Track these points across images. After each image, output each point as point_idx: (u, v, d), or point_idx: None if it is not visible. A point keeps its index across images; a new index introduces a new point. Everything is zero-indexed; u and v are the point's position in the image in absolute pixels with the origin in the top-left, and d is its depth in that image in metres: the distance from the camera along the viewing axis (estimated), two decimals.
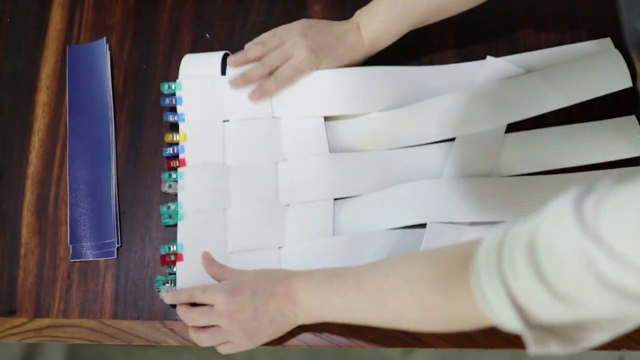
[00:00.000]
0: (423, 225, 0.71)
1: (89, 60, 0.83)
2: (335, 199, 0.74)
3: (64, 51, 0.84)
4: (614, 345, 0.64)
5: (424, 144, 0.75)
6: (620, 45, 0.76)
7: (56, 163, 0.79)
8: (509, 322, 0.46)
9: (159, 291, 0.71)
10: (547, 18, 0.81)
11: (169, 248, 0.72)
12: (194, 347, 0.68)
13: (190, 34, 0.84)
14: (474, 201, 0.70)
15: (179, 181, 0.74)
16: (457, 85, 0.77)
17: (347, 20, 0.77)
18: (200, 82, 0.77)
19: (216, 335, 0.67)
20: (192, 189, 0.73)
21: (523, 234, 0.44)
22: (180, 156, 0.75)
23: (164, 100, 0.77)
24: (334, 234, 0.72)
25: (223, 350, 0.68)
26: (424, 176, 0.73)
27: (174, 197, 0.75)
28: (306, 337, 0.70)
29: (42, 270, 0.75)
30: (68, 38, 0.85)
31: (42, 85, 0.83)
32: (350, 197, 0.74)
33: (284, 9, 0.84)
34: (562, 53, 0.77)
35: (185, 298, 0.68)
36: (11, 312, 0.73)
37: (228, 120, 0.76)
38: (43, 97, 0.82)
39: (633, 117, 0.73)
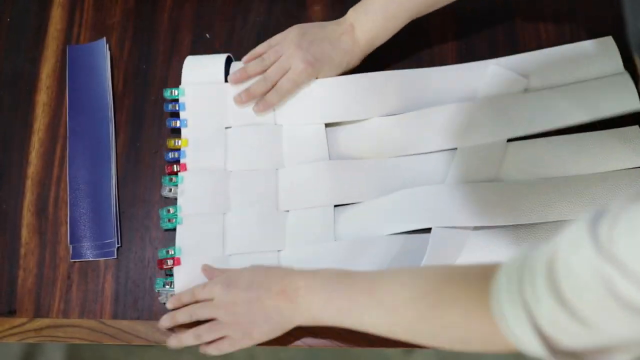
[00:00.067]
0: (424, 231, 0.70)
1: (89, 60, 0.83)
2: (336, 206, 0.74)
3: (64, 51, 0.84)
4: None
5: (426, 153, 0.75)
6: (622, 46, 0.75)
7: (56, 163, 0.79)
8: (533, 349, 0.46)
9: (158, 292, 0.71)
10: (547, 17, 0.81)
11: (167, 252, 0.72)
12: (194, 347, 0.68)
13: (190, 34, 0.84)
14: (478, 206, 0.70)
15: (179, 185, 0.74)
16: (458, 87, 0.77)
17: (341, 21, 0.76)
18: (204, 89, 0.78)
19: (213, 328, 0.66)
20: (192, 193, 0.74)
21: (542, 260, 0.44)
22: (182, 161, 0.75)
23: (167, 106, 0.77)
24: (335, 240, 0.72)
25: (220, 348, 0.67)
26: (425, 183, 0.73)
27: (173, 202, 0.75)
28: (306, 337, 0.70)
29: (42, 270, 0.75)
30: (68, 38, 0.85)
31: (42, 85, 0.83)
32: (351, 203, 0.74)
33: (284, 9, 0.84)
34: (563, 53, 0.77)
35: (187, 299, 0.68)
36: (11, 312, 0.73)
37: (230, 127, 0.77)
38: (43, 97, 0.82)
39: (636, 127, 0.73)
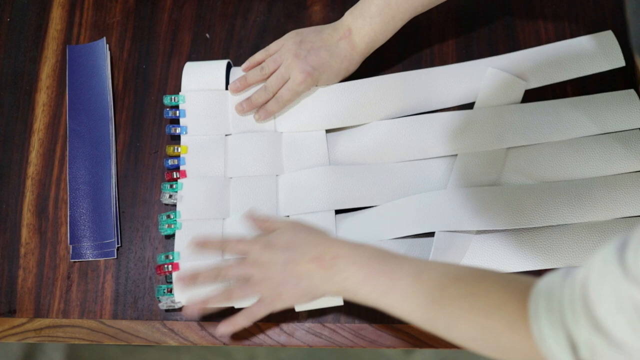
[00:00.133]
0: (427, 235, 0.70)
1: (89, 60, 0.83)
2: (338, 211, 0.74)
3: (64, 51, 0.84)
4: None
5: (426, 159, 0.75)
6: (622, 45, 0.76)
7: (56, 163, 0.79)
8: None
9: (159, 300, 0.71)
10: (547, 16, 0.81)
11: (166, 257, 0.72)
12: (194, 347, 0.68)
13: (190, 34, 0.84)
14: (480, 210, 0.70)
15: (178, 192, 0.74)
16: (459, 87, 0.77)
17: (337, 25, 0.76)
18: (204, 96, 0.78)
19: (245, 288, 0.65)
20: (191, 199, 0.73)
21: (578, 284, 0.45)
22: (181, 168, 0.75)
23: (167, 113, 0.77)
24: None
25: (253, 312, 0.65)
26: (426, 189, 0.73)
27: (173, 207, 0.75)
28: (306, 337, 0.70)
29: (42, 270, 0.75)
30: (68, 38, 0.85)
31: (42, 85, 0.83)
32: (352, 209, 0.74)
33: (284, 9, 0.84)
34: (564, 49, 0.77)
35: (215, 246, 0.67)
36: (11, 312, 0.73)
37: (230, 134, 0.77)
38: (43, 97, 0.82)
39: (637, 131, 0.73)
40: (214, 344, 0.71)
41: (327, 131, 0.77)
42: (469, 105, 0.77)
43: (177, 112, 0.77)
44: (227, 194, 0.74)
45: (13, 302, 0.74)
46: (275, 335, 0.70)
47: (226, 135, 0.77)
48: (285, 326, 0.70)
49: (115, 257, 0.74)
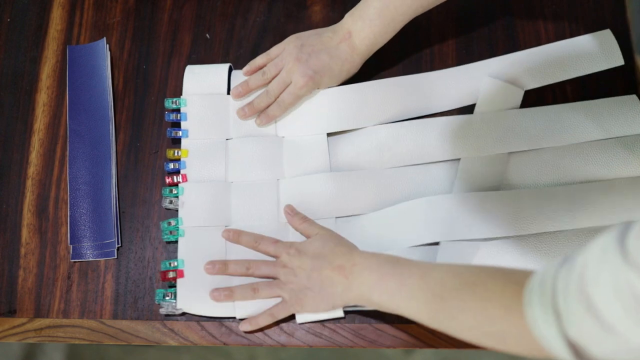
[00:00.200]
0: (437, 243, 0.70)
1: (89, 60, 0.83)
2: (342, 217, 0.74)
3: (64, 51, 0.84)
4: None
5: (427, 163, 0.75)
6: (622, 45, 0.76)
7: (56, 163, 0.79)
8: (563, 355, 0.47)
9: (159, 305, 0.71)
10: (546, 16, 0.81)
11: (170, 264, 0.72)
12: (194, 347, 0.68)
13: (190, 34, 0.84)
14: (487, 217, 0.70)
15: (179, 197, 0.74)
16: (460, 89, 0.77)
17: (337, 28, 0.76)
18: (206, 100, 0.78)
19: (272, 285, 0.69)
20: (193, 205, 0.73)
21: (574, 269, 0.45)
22: (182, 172, 0.75)
23: (169, 116, 0.77)
24: None
25: (273, 313, 0.69)
26: (427, 194, 0.73)
27: (174, 213, 0.75)
28: (306, 337, 0.70)
29: (43, 270, 0.75)
30: (68, 38, 0.85)
31: (42, 85, 0.83)
32: (354, 215, 0.74)
33: (284, 9, 0.84)
34: (563, 48, 0.77)
35: (247, 240, 0.72)
36: (11, 312, 0.73)
37: (231, 138, 0.77)
38: (43, 97, 0.82)
39: None
40: (214, 344, 0.71)
41: (329, 135, 0.77)
42: (470, 108, 0.77)
43: (179, 115, 0.77)
44: (229, 201, 0.74)
45: (13, 302, 0.74)
46: (275, 335, 0.70)
47: (227, 139, 0.77)
48: (285, 326, 0.70)
49: (116, 257, 0.74)
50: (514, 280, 0.52)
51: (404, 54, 0.81)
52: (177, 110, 0.78)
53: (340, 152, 0.76)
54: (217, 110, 0.77)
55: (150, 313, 0.72)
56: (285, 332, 0.70)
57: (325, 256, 0.67)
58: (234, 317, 0.70)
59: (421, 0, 0.72)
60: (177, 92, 0.80)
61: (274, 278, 0.70)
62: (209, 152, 0.76)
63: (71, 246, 0.75)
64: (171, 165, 0.75)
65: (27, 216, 0.77)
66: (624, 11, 0.80)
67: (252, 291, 0.69)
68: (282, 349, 1.38)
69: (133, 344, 0.71)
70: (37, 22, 0.86)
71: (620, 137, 0.73)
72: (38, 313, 0.73)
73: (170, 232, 0.73)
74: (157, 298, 0.70)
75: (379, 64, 0.79)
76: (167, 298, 0.70)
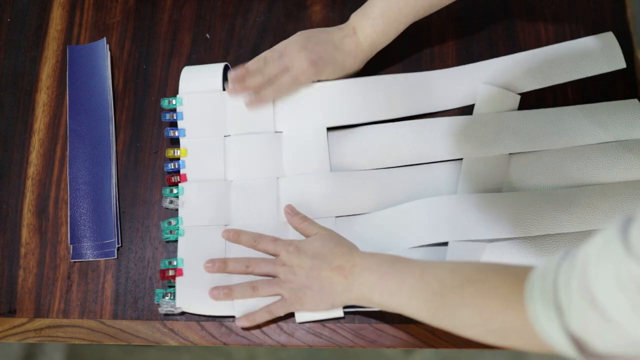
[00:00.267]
0: (441, 243, 0.70)
1: (89, 60, 0.83)
2: (342, 217, 0.74)
3: (64, 51, 0.84)
4: None
5: (427, 163, 0.75)
6: (622, 45, 0.76)
7: (56, 163, 0.79)
8: (565, 349, 0.47)
9: (158, 304, 0.71)
10: (547, 17, 0.81)
11: (169, 263, 0.72)
12: (194, 347, 0.68)
13: (190, 34, 0.84)
14: (493, 217, 0.70)
15: (179, 197, 0.74)
16: (460, 88, 0.77)
17: (344, 25, 0.76)
18: (202, 97, 0.77)
19: (271, 283, 0.69)
20: (193, 204, 0.74)
21: (575, 263, 0.45)
22: (181, 171, 0.75)
23: (165, 116, 0.77)
24: None
25: (272, 310, 0.69)
26: (428, 194, 0.73)
27: (174, 213, 0.75)
28: (306, 337, 0.70)
29: (43, 270, 0.75)
30: (68, 38, 0.85)
31: (42, 85, 0.83)
32: (354, 214, 0.74)
33: (284, 9, 0.84)
34: (565, 50, 0.77)
35: (246, 239, 0.71)
36: (11, 312, 0.73)
37: (229, 135, 0.76)
38: (43, 97, 0.82)
39: None
40: (214, 344, 0.71)
41: (329, 130, 0.76)
42: (471, 108, 0.77)
43: (175, 114, 0.77)
44: (229, 200, 0.74)
45: (13, 302, 0.74)
46: (275, 335, 0.70)
47: (225, 136, 0.77)
48: (285, 326, 0.70)
49: (116, 257, 0.74)
50: (515, 276, 0.52)
51: (404, 53, 0.81)
52: (174, 110, 0.77)
53: (340, 151, 0.76)
54: (214, 107, 0.77)
55: (150, 313, 0.72)
56: (285, 332, 0.70)
57: (324, 256, 0.67)
58: (233, 317, 0.70)
59: (424, 3, 0.72)
60: (177, 92, 0.80)
61: (273, 276, 0.70)
62: (207, 151, 0.76)
63: (71, 246, 0.75)
64: (171, 165, 0.75)
65: (27, 216, 0.77)
66: (624, 11, 0.80)
67: (252, 289, 0.69)
68: (282, 349, 1.38)
69: (133, 344, 0.71)
70: (37, 22, 0.86)
71: (622, 140, 0.73)
72: (38, 313, 0.73)
73: (170, 232, 0.73)
74: (156, 298, 0.71)
75: (379, 64, 0.79)
76: (166, 298, 0.70)
